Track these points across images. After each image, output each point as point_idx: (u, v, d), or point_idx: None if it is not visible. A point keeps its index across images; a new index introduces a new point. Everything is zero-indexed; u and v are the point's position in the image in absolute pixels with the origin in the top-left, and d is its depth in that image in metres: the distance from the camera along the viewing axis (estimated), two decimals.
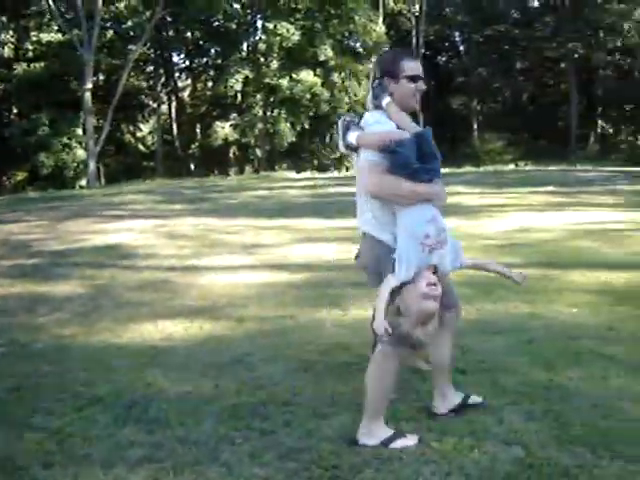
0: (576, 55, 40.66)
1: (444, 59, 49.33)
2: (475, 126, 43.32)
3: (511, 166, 31.54)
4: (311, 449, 3.55)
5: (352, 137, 3.55)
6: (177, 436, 3.76)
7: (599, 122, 44.03)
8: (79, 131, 31.69)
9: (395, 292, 3.41)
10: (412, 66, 3.61)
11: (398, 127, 3.49)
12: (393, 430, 3.65)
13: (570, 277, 7.19)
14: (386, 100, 3.54)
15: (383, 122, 3.52)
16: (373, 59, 32.68)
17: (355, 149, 3.59)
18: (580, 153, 36.64)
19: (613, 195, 16.56)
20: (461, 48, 47.58)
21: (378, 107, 3.57)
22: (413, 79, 3.59)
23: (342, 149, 3.69)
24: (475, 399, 4.00)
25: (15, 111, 37.03)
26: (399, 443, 3.58)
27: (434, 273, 3.42)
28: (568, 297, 6.54)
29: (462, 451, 3.49)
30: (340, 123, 3.67)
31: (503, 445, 3.53)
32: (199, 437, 3.74)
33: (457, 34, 48.52)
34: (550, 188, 17.40)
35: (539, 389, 4.27)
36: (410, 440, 3.60)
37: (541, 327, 5.56)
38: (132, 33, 35.42)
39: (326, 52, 31.57)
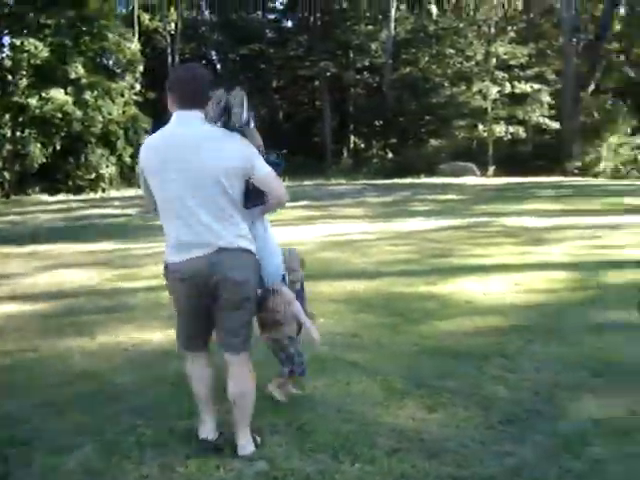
0: (328, 74, 42.39)
1: None
2: None
3: None
4: None
5: (248, 120, 3.58)
6: None
7: (352, 137, 46.21)
8: None
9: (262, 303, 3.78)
10: None
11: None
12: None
13: (319, 288, 7.41)
14: (252, 124, 3.65)
15: None
16: (128, 77, 32.08)
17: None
18: (335, 168, 38.19)
19: (362, 207, 17.48)
20: (218, 67, 47.97)
21: (236, 129, 3.52)
22: None
23: (238, 120, 3.50)
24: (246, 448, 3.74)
25: None
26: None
27: None
28: (316, 307, 6.63)
29: (207, 472, 3.50)
30: (241, 95, 3.51)
31: (247, 462, 3.58)
32: None
33: (213, 53, 48.95)
34: (305, 202, 17.98)
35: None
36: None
37: None
38: None
39: (77, 70, 30.46)
